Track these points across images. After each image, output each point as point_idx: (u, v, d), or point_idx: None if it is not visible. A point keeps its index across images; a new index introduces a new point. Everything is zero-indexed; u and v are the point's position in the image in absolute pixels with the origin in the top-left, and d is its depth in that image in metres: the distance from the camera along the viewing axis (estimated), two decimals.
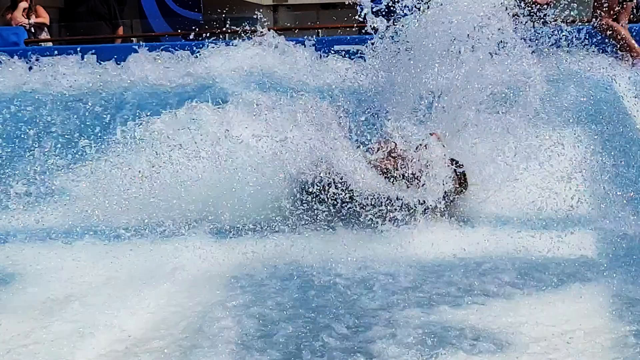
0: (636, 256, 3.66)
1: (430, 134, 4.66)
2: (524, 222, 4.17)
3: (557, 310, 3.15)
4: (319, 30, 11.00)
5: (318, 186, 4.28)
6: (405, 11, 5.17)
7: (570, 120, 5.33)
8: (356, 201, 4.25)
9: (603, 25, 7.14)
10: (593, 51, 6.30)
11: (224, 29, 7.46)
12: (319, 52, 6.80)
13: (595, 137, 5.34)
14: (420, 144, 4.52)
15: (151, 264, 3.79)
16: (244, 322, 3.13)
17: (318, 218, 4.28)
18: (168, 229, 4.29)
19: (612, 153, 5.08)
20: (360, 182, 4.27)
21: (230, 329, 3.08)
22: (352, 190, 4.26)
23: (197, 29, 7.33)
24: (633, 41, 7.41)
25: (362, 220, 4.25)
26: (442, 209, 4.35)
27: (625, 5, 7.61)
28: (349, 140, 4.73)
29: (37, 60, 7.51)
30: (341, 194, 4.23)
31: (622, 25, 7.57)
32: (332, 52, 6.77)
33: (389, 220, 4.20)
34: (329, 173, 4.29)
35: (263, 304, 3.31)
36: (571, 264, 3.62)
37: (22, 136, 5.75)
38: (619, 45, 7.14)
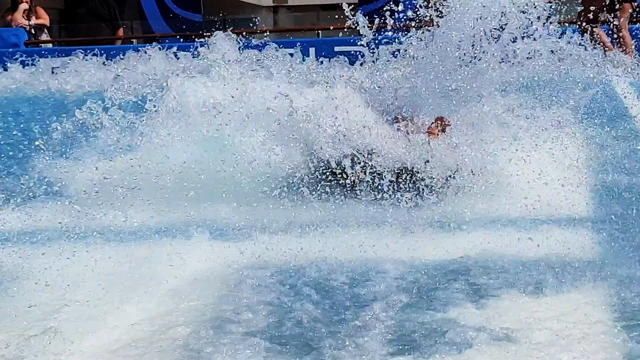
0: (636, 256, 3.65)
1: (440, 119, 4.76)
2: (524, 222, 4.16)
3: (556, 311, 3.14)
4: (319, 32, 11.03)
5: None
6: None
7: (569, 120, 5.35)
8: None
9: (585, 28, 7.15)
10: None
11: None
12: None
13: (595, 136, 5.35)
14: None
15: (152, 262, 3.79)
16: (245, 324, 3.13)
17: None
18: (170, 225, 4.29)
19: (613, 153, 5.09)
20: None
21: (231, 328, 3.08)
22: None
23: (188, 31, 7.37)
24: (610, 44, 7.43)
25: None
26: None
27: (622, 7, 7.59)
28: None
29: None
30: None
31: (621, 26, 7.55)
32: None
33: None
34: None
35: (263, 303, 3.31)
36: (571, 265, 3.61)
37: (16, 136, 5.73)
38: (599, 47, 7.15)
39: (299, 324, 3.10)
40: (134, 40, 11.82)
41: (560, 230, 4.00)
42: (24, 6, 11.13)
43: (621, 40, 7.72)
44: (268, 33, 7.56)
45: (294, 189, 4.56)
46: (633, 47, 7.71)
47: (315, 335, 3.00)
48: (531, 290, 3.32)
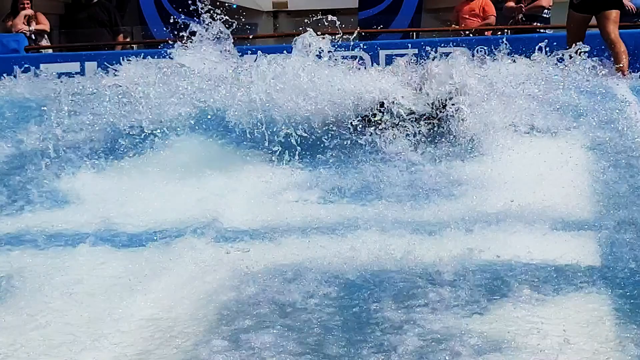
0: (635, 260, 3.66)
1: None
2: (523, 227, 4.16)
3: (555, 316, 3.15)
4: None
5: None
6: None
7: (568, 124, 5.39)
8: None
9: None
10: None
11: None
12: None
13: (594, 139, 5.36)
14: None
15: (152, 265, 3.80)
16: (249, 327, 3.13)
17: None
18: (170, 226, 4.31)
19: (611, 156, 5.10)
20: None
21: (236, 331, 3.09)
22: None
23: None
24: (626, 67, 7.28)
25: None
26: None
27: (607, 14, 7.40)
28: None
29: None
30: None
31: (613, 32, 7.39)
32: None
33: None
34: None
35: (268, 305, 3.31)
36: (570, 269, 3.61)
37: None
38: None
39: (302, 327, 3.11)
40: (134, 46, 11.83)
41: (561, 234, 4.02)
42: (25, 12, 11.13)
43: (612, 53, 7.34)
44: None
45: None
46: (627, 61, 7.40)
47: (319, 340, 3.00)
48: (533, 294, 3.33)
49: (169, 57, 6.64)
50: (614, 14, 7.44)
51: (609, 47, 7.38)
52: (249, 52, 7.08)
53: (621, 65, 7.18)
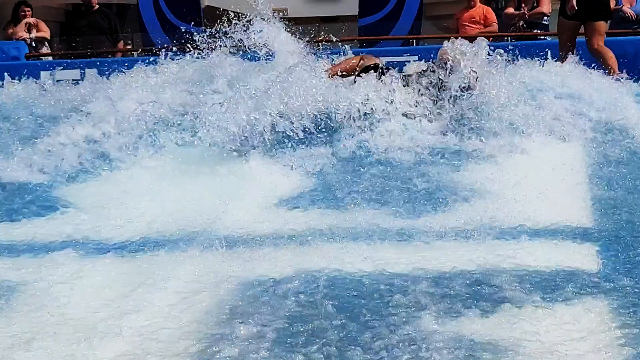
0: (634, 265, 3.66)
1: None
2: (523, 231, 4.16)
3: (556, 320, 3.15)
4: (319, 44, 11.05)
5: None
6: None
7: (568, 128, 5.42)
8: None
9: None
10: None
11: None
12: None
13: (594, 145, 5.38)
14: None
15: (149, 273, 3.79)
16: (248, 332, 3.13)
17: None
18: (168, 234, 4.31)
19: (611, 161, 5.12)
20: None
21: (230, 338, 3.08)
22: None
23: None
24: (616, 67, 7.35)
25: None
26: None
27: (595, 25, 7.43)
28: None
29: None
30: None
31: (597, 44, 7.44)
32: None
33: None
34: None
35: (260, 313, 3.31)
36: (569, 274, 3.61)
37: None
38: None
39: (304, 331, 3.11)
40: (135, 53, 11.84)
41: (561, 241, 4.02)
42: (26, 20, 11.16)
43: (601, 61, 7.36)
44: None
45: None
46: (616, 63, 7.34)
47: (321, 344, 3.00)
48: (534, 299, 3.33)
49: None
50: (602, 25, 7.53)
51: (595, 58, 7.44)
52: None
53: (611, 67, 7.26)
